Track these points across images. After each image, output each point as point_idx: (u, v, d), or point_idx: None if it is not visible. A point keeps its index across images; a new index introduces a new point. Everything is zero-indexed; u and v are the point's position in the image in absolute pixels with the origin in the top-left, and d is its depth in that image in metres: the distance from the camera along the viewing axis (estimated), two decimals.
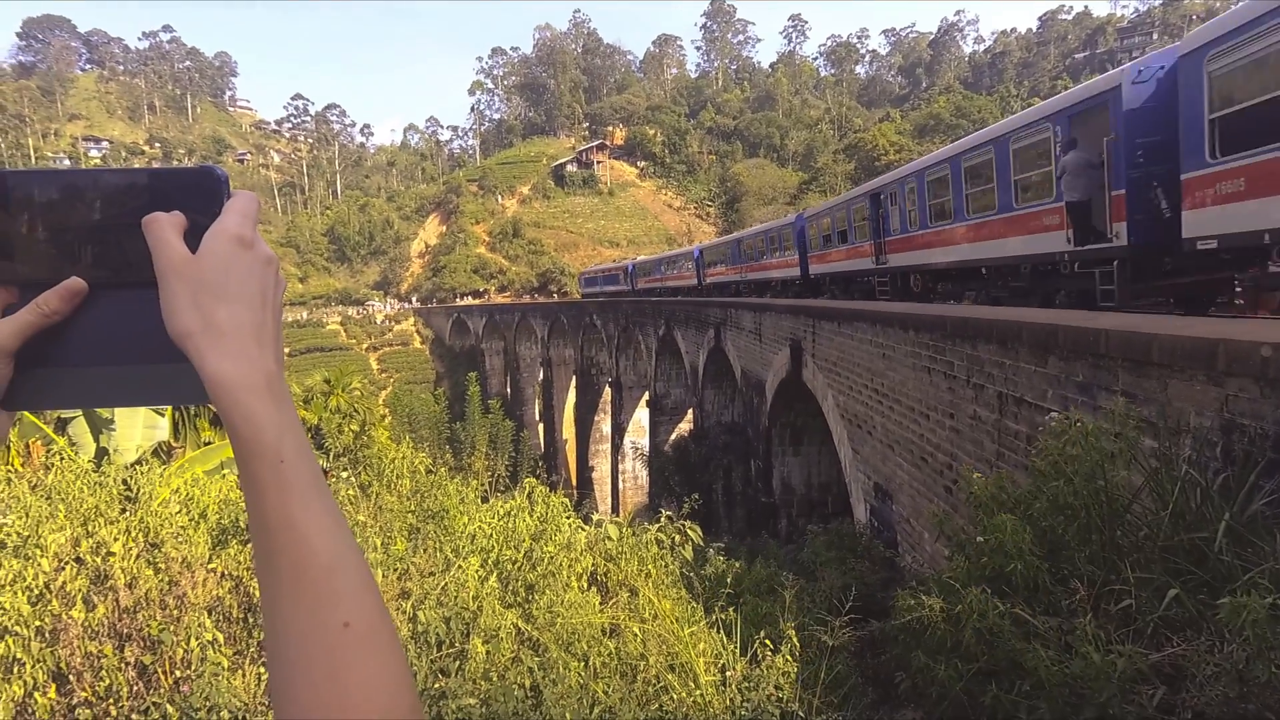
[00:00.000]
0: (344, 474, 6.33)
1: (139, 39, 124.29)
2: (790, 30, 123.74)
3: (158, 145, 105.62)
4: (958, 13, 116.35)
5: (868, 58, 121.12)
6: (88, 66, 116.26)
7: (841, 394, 11.72)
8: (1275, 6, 6.03)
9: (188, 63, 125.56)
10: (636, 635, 4.50)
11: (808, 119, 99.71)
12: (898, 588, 5.44)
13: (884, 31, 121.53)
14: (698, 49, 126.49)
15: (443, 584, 3.88)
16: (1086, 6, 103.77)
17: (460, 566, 3.98)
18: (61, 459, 5.56)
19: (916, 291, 14.02)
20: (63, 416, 8.44)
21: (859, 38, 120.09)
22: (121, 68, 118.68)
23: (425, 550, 4.48)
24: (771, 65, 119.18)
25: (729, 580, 5.59)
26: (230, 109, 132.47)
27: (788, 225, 22.23)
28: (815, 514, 16.44)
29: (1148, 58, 8.21)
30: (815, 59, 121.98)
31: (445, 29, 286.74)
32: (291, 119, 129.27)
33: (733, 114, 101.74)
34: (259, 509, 0.56)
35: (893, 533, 9.41)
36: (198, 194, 0.60)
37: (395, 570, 4.19)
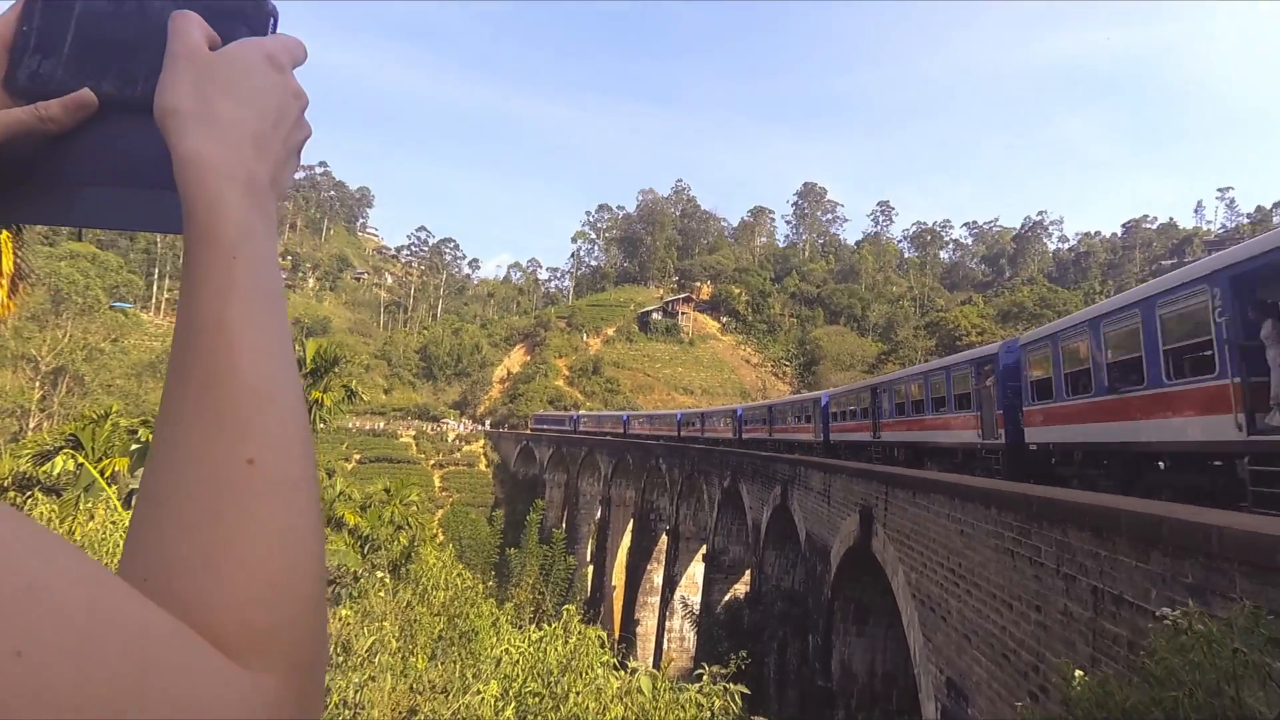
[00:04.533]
0: (379, 574, 6.17)
1: (299, 172, 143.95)
2: (877, 214, 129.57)
3: (289, 259, 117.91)
4: (1040, 212, 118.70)
5: (951, 245, 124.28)
6: None
7: (914, 571, 10.81)
8: None
9: (332, 192, 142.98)
10: None
11: (890, 294, 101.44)
12: None
13: (965, 224, 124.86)
14: (788, 222, 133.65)
15: (454, 708, 3.55)
16: (1171, 218, 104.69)
17: (478, 689, 3.65)
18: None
19: None
20: (133, 489, 8.87)
21: (942, 227, 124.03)
22: None
23: (443, 665, 4.18)
24: (857, 243, 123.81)
25: None
26: (359, 234, 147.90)
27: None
28: (878, 708, 14.69)
29: None
30: (900, 242, 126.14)
31: (557, 181, 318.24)
32: (411, 248, 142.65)
33: (816, 282, 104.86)
34: (189, 307, 0.47)
35: None
36: (241, 21, 0.58)
37: (406, 681, 3.89)
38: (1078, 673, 3.65)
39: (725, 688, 5.26)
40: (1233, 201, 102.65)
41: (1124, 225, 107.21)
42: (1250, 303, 7.26)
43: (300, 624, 0.43)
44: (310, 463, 0.48)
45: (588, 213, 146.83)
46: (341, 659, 4.43)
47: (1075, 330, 10.58)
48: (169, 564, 0.41)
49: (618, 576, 44.08)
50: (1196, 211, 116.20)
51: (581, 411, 65.18)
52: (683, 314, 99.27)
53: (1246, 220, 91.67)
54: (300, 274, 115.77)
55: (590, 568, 48.13)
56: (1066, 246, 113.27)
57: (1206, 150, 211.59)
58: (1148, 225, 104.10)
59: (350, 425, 65.31)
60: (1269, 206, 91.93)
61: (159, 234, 0.59)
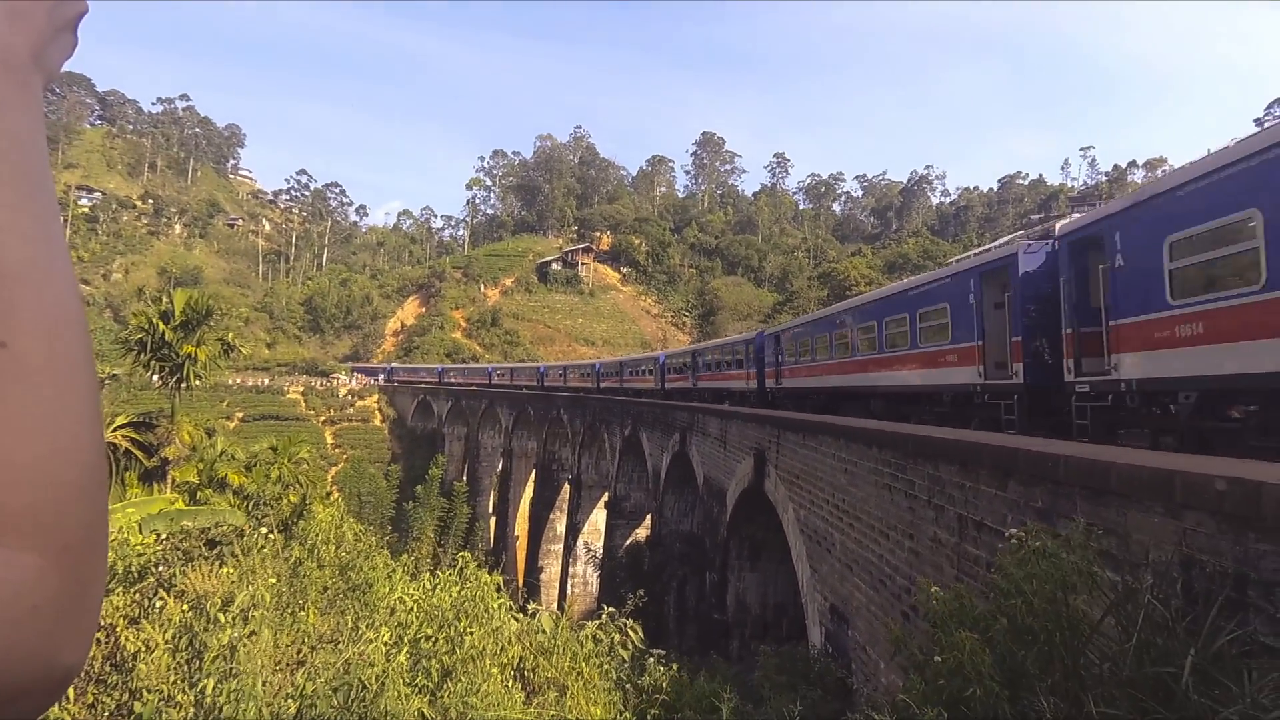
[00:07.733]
0: (263, 530, 5.86)
1: (153, 104, 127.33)
2: (774, 165, 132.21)
3: (150, 201, 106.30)
4: (927, 167, 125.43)
5: (843, 197, 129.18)
6: (98, 122, 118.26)
7: (802, 508, 11.48)
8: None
9: (198, 130, 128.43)
10: None
11: (785, 245, 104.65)
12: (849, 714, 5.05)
13: (857, 177, 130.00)
14: (687, 173, 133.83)
15: (346, 656, 3.45)
16: (1041, 174, 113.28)
17: (368, 638, 3.56)
18: None
19: None
20: None
21: (835, 179, 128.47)
22: (131, 127, 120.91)
23: (334, 617, 4.05)
24: (754, 194, 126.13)
25: (667, 689, 5.16)
26: (231, 176, 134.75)
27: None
28: (769, 636, 15.69)
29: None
30: (795, 193, 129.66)
31: (450, 125, 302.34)
32: (291, 192, 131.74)
33: (715, 233, 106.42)
34: None
35: (848, 660, 8.93)
36: None
37: (293, 634, 3.74)
38: (934, 588, 4.02)
39: (623, 624, 5.43)
40: (1094, 160, 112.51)
41: (1000, 180, 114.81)
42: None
43: (66, 508, 0.41)
44: (82, 350, 0.45)
45: (482, 159, 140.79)
46: (222, 616, 4.22)
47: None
48: None
49: (521, 526, 44.25)
50: (1063, 169, 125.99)
51: (395, 364, 76.67)
52: (583, 264, 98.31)
53: (1105, 178, 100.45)
54: (165, 219, 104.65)
55: (493, 519, 48.01)
56: (948, 200, 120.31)
57: (1074, 111, 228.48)
58: (1020, 181, 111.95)
59: (230, 382, 60.88)
60: (1124, 165, 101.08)
61: None
